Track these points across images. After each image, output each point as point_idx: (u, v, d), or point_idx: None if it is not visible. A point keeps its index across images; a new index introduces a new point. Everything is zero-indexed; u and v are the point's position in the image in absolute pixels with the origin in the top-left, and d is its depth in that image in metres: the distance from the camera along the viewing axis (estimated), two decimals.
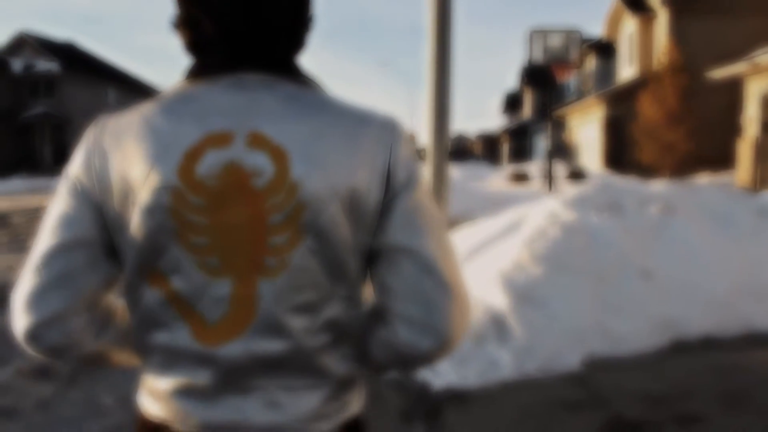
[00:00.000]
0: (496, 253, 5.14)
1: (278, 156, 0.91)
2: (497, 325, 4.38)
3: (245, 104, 0.94)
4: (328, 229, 0.92)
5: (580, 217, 5.16)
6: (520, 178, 19.90)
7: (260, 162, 0.91)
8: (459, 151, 75.03)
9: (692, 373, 4.16)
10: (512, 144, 44.01)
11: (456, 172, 17.15)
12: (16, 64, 37.47)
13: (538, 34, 14.72)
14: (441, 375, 4.04)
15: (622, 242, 5.03)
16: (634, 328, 4.49)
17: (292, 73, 1.01)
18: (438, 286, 0.94)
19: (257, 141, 0.92)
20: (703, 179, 18.06)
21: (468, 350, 4.23)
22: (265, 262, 0.92)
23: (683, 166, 18.71)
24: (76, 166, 0.98)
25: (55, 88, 38.16)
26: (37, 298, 0.94)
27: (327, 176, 0.92)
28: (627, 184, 6.69)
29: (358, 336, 1.03)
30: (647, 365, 4.30)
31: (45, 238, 0.96)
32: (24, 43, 38.24)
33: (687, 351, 4.52)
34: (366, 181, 0.94)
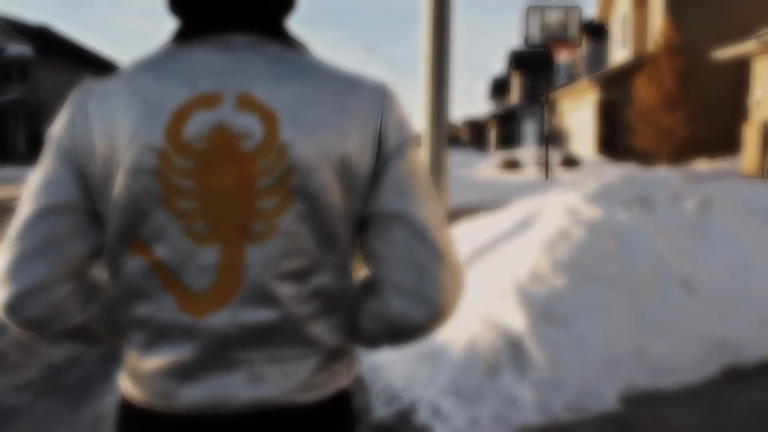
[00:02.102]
0: (507, 258, 4.30)
1: (267, 118, 0.89)
2: (513, 350, 3.55)
3: (233, 65, 0.92)
4: (318, 194, 0.90)
5: (606, 214, 4.33)
6: (512, 165, 19.11)
7: (249, 124, 0.88)
8: (447, 137, 74.03)
9: (755, 408, 3.37)
10: (500, 130, 43.24)
11: None
12: None
13: (535, 10, 13.84)
14: (446, 418, 3.21)
15: (657, 245, 4.21)
16: (680, 353, 3.68)
17: (280, 35, 0.98)
18: (431, 253, 0.92)
19: (246, 102, 0.89)
20: (703, 166, 17.49)
21: (479, 384, 3.40)
22: (254, 227, 0.89)
23: (681, 151, 18.05)
24: (59, 128, 0.95)
25: (29, 73, 36.74)
26: (18, 267, 0.90)
27: (316, 140, 0.89)
28: (653, 175, 5.84)
29: (348, 307, 1.00)
30: (699, 399, 3.49)
31: (26, 204, 0.93)
32: None
33: (744, 380, 3.71)
34: (357, 146, 0.92)
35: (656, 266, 4.06)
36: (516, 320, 3.69)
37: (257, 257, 0.90)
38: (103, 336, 1.03)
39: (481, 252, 4.89)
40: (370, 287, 0.98)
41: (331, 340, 0.98)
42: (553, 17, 13.88)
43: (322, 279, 0.95)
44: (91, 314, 0.98)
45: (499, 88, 49.81)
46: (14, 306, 0.91)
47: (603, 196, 4.60)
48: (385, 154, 0.94)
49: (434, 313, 0.93)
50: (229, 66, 0.92)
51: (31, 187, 0.94)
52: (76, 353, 4.41)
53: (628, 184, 4.85)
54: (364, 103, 0.94)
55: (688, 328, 3.79)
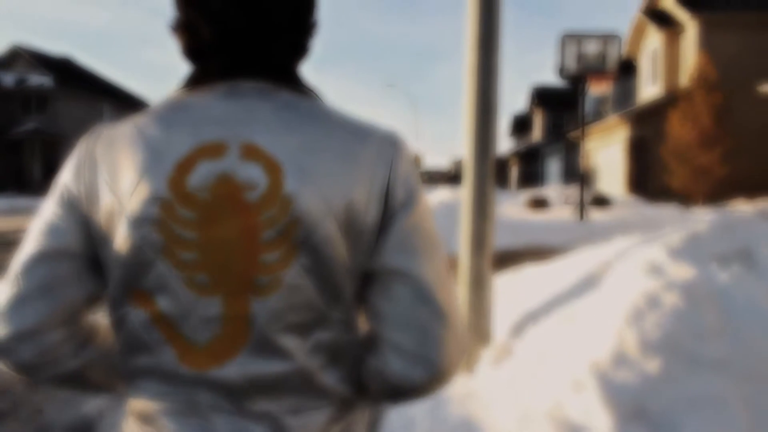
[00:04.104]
0: (577, 329, 3.36)
1: (272, 168, 0.87)
2: None
3: (239, 113, 0.91)
4: (322, 247, 0.88)
5: (701, 274, 3.38)
6: (540, 204, 18.17)
7: (254, 174, 0.87)
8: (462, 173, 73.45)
9: None
10: (522, 168, 42.36)
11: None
12: (8, 78, 36.15)
13: (572, 39, 13.00)
14: None
15: None
16: None
17: (290, 81, 0.98)
18: (433, 314, 0.90)
19: (251, 152, 0.88)
20: (744, 206, 16.50)
21: None
22: (258, 279, 0.88)
23: (718, 191, 17.06)
24: (66, 175, 0.95)
25: (48, 103, 36.76)
26: (13, 309, 0.90)
27: (321, 191, 0.88)
28: (750, 220, 4.89)
29: (353, 361, 0.98)
30: None
31: (28, 246, 0.93)
32: (18, 56, 36.97)
33: None
34: (364, 198, 0.90)
35: None
36: (598, 420, 2.74)
37: (262, 310, 0.88)
38: (100, 382, 1.02)
39: (535, 317, 3.96)
40: (372, 344, 0.95)
41: (342, 391, 0.96)
42: (591, 47, 13.04)
43: (327, 333, 0.93)
44: (85, 360, 0.97)
45: (521, 125, 49.09)
46: (7, 348, 0.90)
47: (691, 249, 3.67)
48: (392, 207, 0.92)
49: (434, 375, 0.91)
50: (235, 114, 0.91)
51: (35, 228, 0.94)
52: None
53: (721, 234, 3.92)
54: (373, 154, 0.93)
55: None
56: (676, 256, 3.59)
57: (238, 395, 0.91)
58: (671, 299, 3.17)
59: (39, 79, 36.40)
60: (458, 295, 4.09)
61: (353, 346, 0.97)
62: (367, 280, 0.94)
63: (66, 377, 0.97)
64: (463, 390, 3.62)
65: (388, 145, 0.95)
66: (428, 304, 0.90)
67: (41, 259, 0.91)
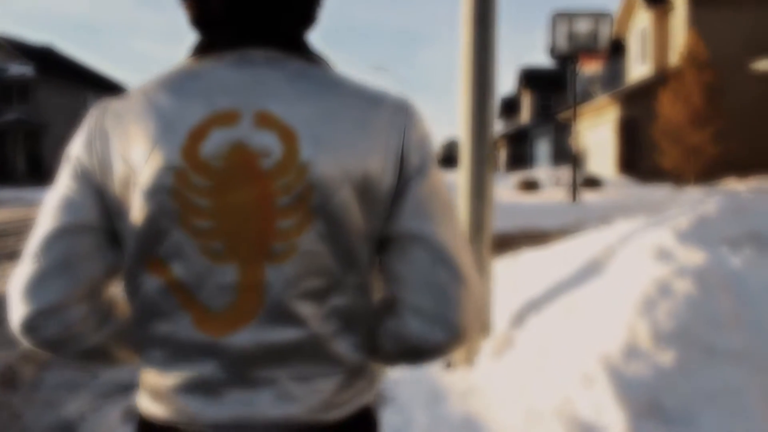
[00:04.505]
0: (583, 318, 3.18)
1: (287, 136, 0.88)
2: None
3: (251, 81, 0.91)
4: (339, 214, 0.89)
5: (713, 259, 3.20)
6: (530, 186, 18.01)
7: (268, 142, 0.88)
8: (452, 157, 73.49)
9: None
10: (510, 150, 42.18)
11: (453, 179, 15.16)
12: None
13: (563, 18, 12.75)
14: None
15: None
16: None
17: (300, 50, 0.97)
18: (451, 275, 0.91)
19: (265, 120, 0.89)
20: (736, 185, 16.41)
21: None
22: (273, 246, 0.88)
23: (709, 171, 16.93)
24: (77, 148, 0.95)
25: (30, 93, 36.04)
26: (35, 286, 0.90)
27: (337, 158, 0.88)
28: (758, 201, 4.70)
29: (368, 326, 0.99)
30: None
31: (44, 223, 0.93)
32: None
33: None
34: (379, 164, 0.91)
35: None
36: (610, 416, 2.57)
37: (278, 277, 0.89)
38: (119, 356, 1.03)
39: (536, 306, 3.77)
40: (389, 307, 0.96)
41: (353, 358, 0.97)
42: (582, 26, 12.79)
43: (343, 299, 0.94)
44: (107, 335, 0.98)
45: (509, 107, 48.82)
46: (32, 325, 0.91)
47: (700, 233, 3.49)
48: (407, 173, 0.93)
49: (453, 336, 0.92)
50: (247, 82, 0.91)
51: (49, 204, 0.94)
52: None
53: (730, 216, 3.74)
54: (387, 121, 0.94)
55: None
56: (685, 240, 3.41)
57: (247, 363, 0.91)
58: (683, 286, 2.98)
59: (20, 69, 35.62)
60: None
61: (368, 311, 0.98)
62: (384, 246, 0.95)
63: (90, 352, 0.98)
64: (462, 384, 3.44)
65: (401, 111, 0.95)
66: (446, 266, 0.91)
67: (60, 234, 0.91)
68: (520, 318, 3.74)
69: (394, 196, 0.92)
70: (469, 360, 3.69)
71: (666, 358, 2.73)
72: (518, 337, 3.55)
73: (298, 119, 0.88)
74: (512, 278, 4.37)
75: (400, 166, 0.92)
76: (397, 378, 3.97)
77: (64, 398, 3.98)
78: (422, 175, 0.93)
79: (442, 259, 0.91)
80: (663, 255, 3.31)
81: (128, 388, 4.12)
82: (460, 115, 3.86)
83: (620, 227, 4.30)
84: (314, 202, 0.87)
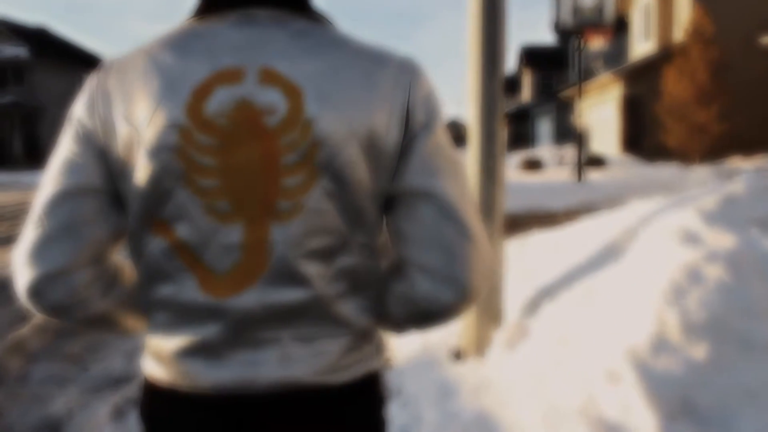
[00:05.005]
0: (604, 307, 2.94)
1: (292, 93, 0.87)
2: None
3: (255, 40, 0.90)
4: (345, 171, 0.88)
5: (744, 242, 2.96)
6: (534, 165, 17.75)
7: (273, 99, 0.87)
8: (453, 137, 72.97)
9: None
10: (511, 129, 41.81)
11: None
12: None
13: None
14: None
15: None
16: None
17: (303, 9, 0.95)
18: (459, 232, 0.89)
19: (269, 77, 0.88)
20: (741, 164, 16.15)
21: None
22: (279, 205, 0.88)
23: (715, 149, 16.65)
24: (79, 110, 0.94)
25: (25, 75, 35.60)
26: (40, 251, 0.90)
27: (343, 115, 0.87)
28: None
29: (376, 289, 0.98)
30: None
31: (48, 186, 0.92)
32: None
33: None
34: (384, 122, 0.90)
35: None
36: (639, 417, 2.34)
37: (283, 236, 0.88)
38: (126, 324, 1.03)
39: (551, 292, 3.54)
40: (397, 269, 0.95)
41: (360, 321, 0.96)
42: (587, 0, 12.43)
43: (350, 258, 0.92)
44: (113, 301, 0.98)
45: (510, 85, 48.32)
46: (37, 290, 0.90)
47: (728, 214, 3.24)
48: (412, 130, 0.92)
49: (462, 295, 0.91)
50: (251, 41, 0.90)
51: (52, 168, 0.93)
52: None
53: (759, 195, 3.49)
54: (392, 79, 0.92)
55: None
56: (712, 222, 3.16)
57: (251, 325, 0.90)
58: (714, 272, 2.74)
59: (14, 50, 35.15)
60: None
61: (377, 273, 0.97)
62: (391, 203, 0.93)
63: (96, 318, 0.98)
64: (474, 377, 3.21)
65: (407, 69, 0.94)
66: (453, 222, 0.89)
67: (63, 198, 0.90)
68: (533, 305, 3.51)
69: (400, 153, 0.91)
70: (480, 350, 3.46)
71: (698, 351, 2.49)
72: (533, 327, 3.32)
73: (303, 76, 0.87)
74: (523, 262, 4.13)
75: (405, 122, 0.91)
76: (402, 368, 3.75)
77: (51, 393, 3.77)
78: (428, 131, 0.92)
79: (450, 216, 0.89)
80: (689, 238, 3.07)
81: (119, 381, 3.91)
82: (467, 87, 3.60)
83: (637, 207, 4.06)
84: (320, 159, 0.86)
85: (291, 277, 0.89)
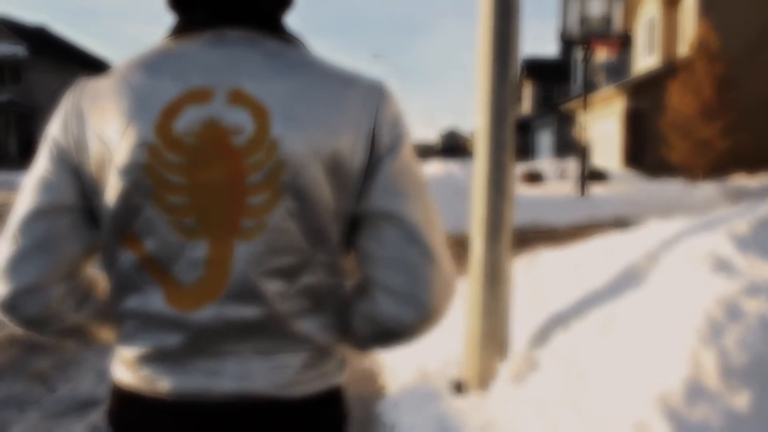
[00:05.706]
0: (627, 343, 2.60)
1: (259, 113, 0.88)
2: None
3: (226, 60, 0.92)
4: (308, 191, 0.89)
5: None
6: (534, 178, 17.45)
7: (240, 119, 0.88)
8: (451, 148, 73.09)
9: None
10: None
11: (458, 171, 14.62)
12: None
13: (575, 0, 12.10)
14: None
15: None
16: None
17: (276, 30, 0.97)
18: (422, 254, 0.91)
19: (238, 98, 0.89)
20: (747, 181, 15.89)
21: None
22: (243, 223, 0.89)
23: (719, 165, 16.38)
24: (54, 129, 0.96)
25: (22, 74, 35.30)
26: (15, 266, 0.92)
27: (308, 136, 0.89)
28: None
29: (339, 307, 0.99)
30: None
31: (23, 203, 0.95)
32: None
33: None
34: (350, 143, 0.91)
35: None
36: None
37: (246, 253, 0.89)
38: (100, 335, 1.05)
39: (564, 320, 3.19)
40: (362, 289, 0.96)
41: (320, 338, 0.96)
42: (595, 9, 12.15)
43: (312, 277, 0.93)
44: (86, 314, 1.00)
45: None
46: (12, 304, 0.93)
47: (763, 239, 2.91)
48: (378, 152, 0.92)
49: (424, 315, 0.92)
50: (222, 61, 0.91)
51: (28, 185, 0.95)
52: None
53: None
54: (359, 100, 0.93)
55: None
56: (745, 248, 2.83)
57: (210, 338, 0.91)
58: (756, 307, 2.41)
59: (12, 49, 34.86)
60: (469, 293, 3.31)
61: (339, 291, 0.98)
62: (356, 224, 0.94)
63: (70, 330, 1.00)
64: (477, 414, 2.87)
65: (374, 92, 0.95)
66: (417, 245, 0.91)
67: (38, 215, 0.92)
68: (544, 334, 3.18)
69: (365, 175, 0.92)
70: (483, 383, 3.12)
71: (740, 400, 2.16)
72: (543, 358, 2.98)
73: (270, 97, 0.89)
74: (531, 284, 3.80)
75: (371, 145, 0.92)
76: (397, 400, 3.41)
77: (9, 419, 3.41)
78: (394, 154, 0.93)
79: (413, 238, 0.91)
80: (721, 265, 2.74)
81: (87, 405, 3.55)
82: (477, 93, 3.28)
83: (658, 228, 3.73)
84: (283, 179, 0.87)
85: (249, 294, 0.90)
